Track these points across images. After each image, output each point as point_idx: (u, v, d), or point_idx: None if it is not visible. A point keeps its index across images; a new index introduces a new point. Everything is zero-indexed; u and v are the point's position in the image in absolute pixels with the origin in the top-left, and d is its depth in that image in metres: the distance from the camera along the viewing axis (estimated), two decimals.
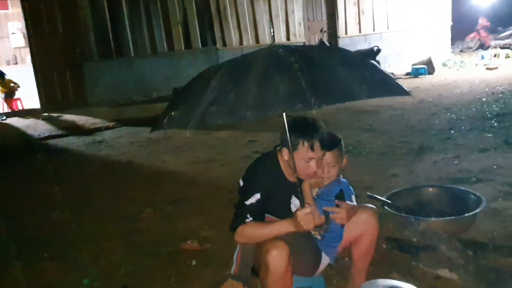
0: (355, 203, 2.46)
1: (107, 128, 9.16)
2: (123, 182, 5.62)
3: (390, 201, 3.45)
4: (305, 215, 2.10)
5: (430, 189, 3.76)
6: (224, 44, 12.16)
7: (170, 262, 3.39)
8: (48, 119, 10.26)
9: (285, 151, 2.28)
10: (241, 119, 1.98)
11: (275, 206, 2.35)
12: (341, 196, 2.39)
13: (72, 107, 11.04)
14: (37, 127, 9.58)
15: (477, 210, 3.22)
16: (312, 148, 2.19)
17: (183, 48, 12.10)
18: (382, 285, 1.93)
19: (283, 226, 2.20)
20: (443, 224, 3.21)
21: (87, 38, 11.28)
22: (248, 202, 2.27)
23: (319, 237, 2.41)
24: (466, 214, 3.22)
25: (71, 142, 8.40)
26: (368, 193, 3.46)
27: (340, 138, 2.43)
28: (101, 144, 7.92)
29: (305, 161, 2.22)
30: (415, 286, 2.05)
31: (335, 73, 2.06)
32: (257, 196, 2.28)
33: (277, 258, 2.12)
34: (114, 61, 11.61)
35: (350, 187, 2.53)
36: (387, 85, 2.16)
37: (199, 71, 2.45)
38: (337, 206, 2.31)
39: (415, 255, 2.98)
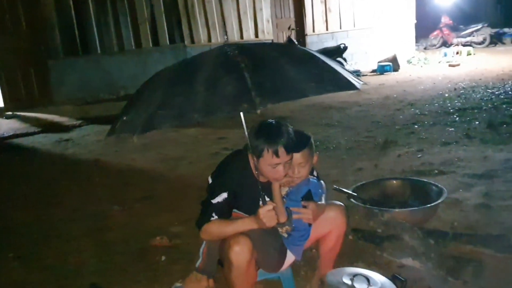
0: (323, 202, 2.49)
1: (74, 126, 9.01)
2: (90, 181, 5.56)
3: (355, 194, 3.55)
4: (267, 212, 2.15)
5: (394, 181, 3.87)
6: (193, 41, 12.11)
7: (140, 258, 3.40)
8: (12, 118, 10.02)
9: (250, 156, 2.31)
10: (188, 122, 1.99)
11: (245, 204, 2.38)
12: (308, 196, 2.42)
13: (37, 106, 10.81)
14: (0, 126, 9.36)
15: (439, 201, 3.35)
16: (276, 154, 2.17)
17: (151, 46, 11.99)
18: (347, 273, 2.00)
19: (246, 224, 2.25)
20: (406, 215, 3.32)
21: (52, 35, 11.06)
22: (214, 201, 2.30)
23: (285, 235, 2.47)
24: (428, 205, 3.35)
25: (37, 141, 8.23)
26: (335, 186, 3.55)
27: (309, 136, 2.42)
28: (68, 142, 7.80)
29: (272, 167, 2.21)
30: (380, 274, 2.12)
31: (282, 71, 2.07)
32: (224, 195, 2.30)
33: (239, 254, 2.17)
34: (81, 58, 11.42)
35: (322, 183, 2.55)
36: (336, 80, 2.16)
37: None
38: (304, 206, 2.35)
39: (380, 245, 3.07)
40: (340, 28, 13.43)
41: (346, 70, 2.43)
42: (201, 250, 2.56)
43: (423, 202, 3.46)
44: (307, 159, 2.33)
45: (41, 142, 8.11)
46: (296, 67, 2.11)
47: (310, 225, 2.42)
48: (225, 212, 2.33)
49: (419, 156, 5.09)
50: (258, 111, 1.94)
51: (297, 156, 2.29)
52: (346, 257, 3.00)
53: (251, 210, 2.32)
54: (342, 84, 2.16)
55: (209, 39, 12.25)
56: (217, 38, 12.29)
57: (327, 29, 13.39)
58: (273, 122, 2.27)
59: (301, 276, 2.88)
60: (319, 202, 2.42)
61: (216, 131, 7.39)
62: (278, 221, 2.20)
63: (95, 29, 11.49)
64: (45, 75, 11.03)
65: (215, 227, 2.30)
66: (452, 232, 3.10)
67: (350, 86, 2.15)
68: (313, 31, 13.25)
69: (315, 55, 2.28)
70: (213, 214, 2.29)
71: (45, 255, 3.63)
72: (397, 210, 3.39)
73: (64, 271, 3.33)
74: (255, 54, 2.15)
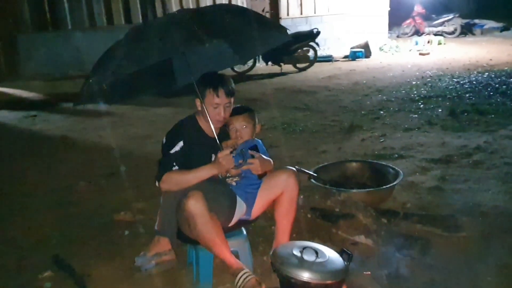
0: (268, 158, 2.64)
1: (42, 102, 8.87)
2: (56, 157, 5.53)
3: (316, 174, 3.66)
4: (226, 156, 2.37)
5: (354, 163, 4.01)
6: None
7: (103, 232, 3.45)
8: None
9: (197, 102, 2.55)
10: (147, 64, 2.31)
11: (197, 162, 2.49)
12: (255, 150, 2.60)
13: (4, 80, 10.57)
14: None
15: (394, 183, 3.50)
16: (217, 94, 2.46)
17: (123, 23, 11.82)
18: (297, 246, 2.11)
19: (206, 170, 2.42)
20: (363, 196, 3.46)
21: (20, 8, 10.78)
22: (173, 151, 2.46)
23: (234, 183, 2.63)
24: (384, 186, 3.49)
25: (2, 116, 8.08)
26: (296, 167, 3.64)
27: (252, 109, 2.70)
28: (35, 118, 7.69)
29: (213, 107, 2.48)
30: (328, 248, 2.24)
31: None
32: (181, 144, 2.47)
33: (195, 204, 2.30)
34: (50, 33, 11.19)
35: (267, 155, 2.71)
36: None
37: None
38: (252, 156, 2.52)
39: (335, 223, 3.20)
40: (315, 12, 13.48)
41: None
42: (158, 214, 2.65)
43: (380, 184, 3.60)
44: (248, 122, 2.60)
45: (7, 117, 7.97)
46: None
47: (260, 179, 2.57)
48: (184, 162, 2.46)
49: (381, 140, 5.25)
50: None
51: (239, 119, 2.59)
52: (303, 234, 3.12)
53: (204, 164, 2.47)
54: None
55: None
56: None
57: (301, 13, 13.43)
58: (217, 73, 2.62)
59: (259, 251, 2.99)
60: (265, 157, 2.58)
61: (184, 110, 7.31)
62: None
63: (66, 3, 11.24)
64: (13, 49, 10.78)
65: (176, 175, 2.42)
66: (404, 212, 3.26)
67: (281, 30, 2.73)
68: (288, 14, 13.26)
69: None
70: (174, 164, 2.43)
71: (7, 228, 3.64)
72: (354, 190, 3.53)
73: (26, 243, 3.35)
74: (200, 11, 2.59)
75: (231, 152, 2.44)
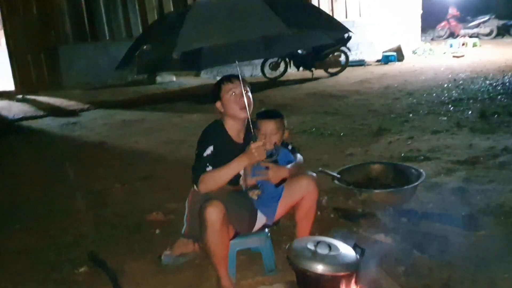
0: (288, 166, 2.68)
1: (82, 110, 9.27)
2: (95, 161, 5.82)
3: (339, 176, 3.77)
4: (258, 147, 2.44)
5: (377, 165, 4.09)
6: None
7: (136, 231, 3.65)
8: (23, 101, 10.31)
9: (217, 104, 2.69)
10: (220, 41, 2.32)
11: (224, 162, 2.58)
12: (271, 156, 2.62)
13: (46, 90, 11.10)
14: (11, 109, 9.64)
15: (415, 184, 3.56)
16: (230, 80, 2.61)
17: None
18: (312, 240, 2.22)
19: (238, 161, 2.50)
20: (384, 196, 3.55)
21: (62, 21, 11.29)
22: (205, 154, 2.58)
23: (255, 197, 2.70)
24: (405, 187, 3.56)
25: (46, 123, 8.51)
26: (320, 168, 3.77)
27: (282, 115, 2.73)
28: (75, 125, 8.07)
29: (231, 94, 2.59)
30: (341, 242, 2.34)
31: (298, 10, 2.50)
32: (211, 148, 2.59)
33: (212, 213, 2.39)
34: (89, 44, 11.67)
35: (298, 155, 2.81)
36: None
37: None
38: (266, 168, 2.58)
39: (356, 222, 3.30)
40: (346, 17, 13.52)
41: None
42: (184, 218, 2.80)
43: (403, 185, 3.67)
44: (278, 128, 2.64)
45: (49, 125, 8.38)
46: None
47: (277, 186, 2.61)
48: (216, 163, 2.56)
49: (408, 143, 5.29)
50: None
51: (270, 123, 2.63)
52: (325, 233, 3.22)
53: None
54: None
55: None
56: None
57: None
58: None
59: (282, 248, 3.11)
60: (281, 166, 2.62)
61: (216, 116, 7.59)
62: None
63: (104, 15, 11.72)
64: (55, 60, 11.29)
65: (211, 174, 2.53)
66: (423, 211, 3.31)
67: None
68: None
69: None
70: (207, 165, 2.55)
71: (48, 227, 3.88)
72: (376, 191, 3.61)
73: (64, 241, 3.59)
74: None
75: (255, 137, 2.53)
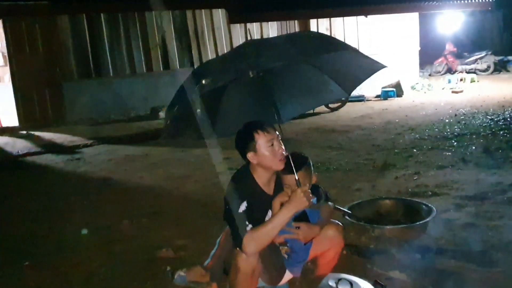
0: (317, 225, 2.59)
1: (86, 146, 9.29)
2: (101, 197, 5.81)
3: (350, 212, 3.78)
4: (306, 192, 2.32)
5: (388, 201, 4.12)
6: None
7: (147, 268, 3.62)
8: (27, 137, 10.33)
9: (249, 155, 2.48)
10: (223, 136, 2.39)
11: (257, 215, 2.50)
12: (303, 217, 2.53)
13: (50, 125, 11.14)
14: (15, 145, 9.66)
15: (427, 219, 3.58)
16: (266, 131, 2.42)
17: (162, 69, 12.39)
18: (333, 278, 2.23)
19: (285, 212, 2.33)
20: (397, 232, 3.55)
21: (67, 58, 11.45)
22: (240, 211, 2.38)
23: (285, 256, 2.69)
24: (417, 223, 3.57)
25: (50, 159, 8.52)
26: (330, 203, 3.77)
27: (307, 157, 2.60)
28: (80, 161, 8.08)
29: (269, 145, 2.41)
30: (362, 279, 2.34)
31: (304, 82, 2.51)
32: (245, 204, 2.40)
33: (247, 260, 2.35)
34: (93, 81, 11.80)
35: (330, 204, 2.75)
36: (351, 79, 2.61)
37: None
38: (297, 227, 2.50)
39: (370, 259, 3.29)
40: None
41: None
42: (212, 252, 2.78)
43: (414, 221, 3.68)
44: (305, 178, 2.48)
45: (54, 160, 8.39)
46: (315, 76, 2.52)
47: (305, 244, 2.55)
48: (253, 219, 2.39)
49: (415, 178, 5.32)
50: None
51: (300, 176, 2.43)
52: (339, 270, 3.20)
53: (261, 221, 2.45)
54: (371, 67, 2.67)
55: None
56: None
57: None
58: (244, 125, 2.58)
59: (296, 286, 3.09)
60: (313, 224, 2.54)
61: (221, 151, 7.64)
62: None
63: (108, 52, 11.89)
64: (59, 96, 11.38)
65: (257, 234, 2.33)
66: (437, 248, 3.31)
67: (377, 65, 2.64)
68: None
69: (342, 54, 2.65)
70: (247, 223, 2.35)
71: (58, 264, 3.86)
72: (388, 227, 3.62)
73: (76, 278, 3.56)
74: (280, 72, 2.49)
75: (299, 182, 2.41)
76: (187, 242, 4.02)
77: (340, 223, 2.80)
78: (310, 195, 2.33)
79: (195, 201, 5.19)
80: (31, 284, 3.53)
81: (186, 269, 3.05)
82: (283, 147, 2.49)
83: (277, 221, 2.34)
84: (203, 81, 2.48)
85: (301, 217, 2.52)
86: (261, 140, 2.43)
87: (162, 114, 11.39)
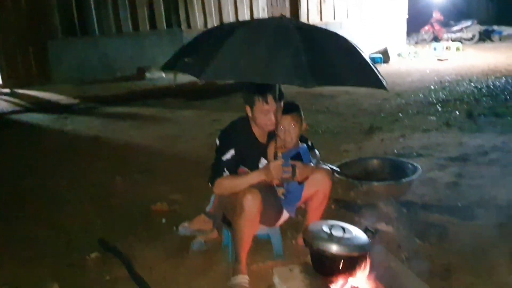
0: (311, 164, 2.79)
1: (72, 105, 9.26)
2: (91, 155, 5.86)
3: (339, 169, 3.90)
4: (277, 166, 2.51)
5: (374, 160, 4.24)
6: (189, 26, 12.36)
7: (142, 220, 3.73)
8: (11, 95, 10.24)
9: (247, 108, 2.66)
10: (247, 80, 2.30)
11: (248, 162, 2.71)
12: (297, 158, 2.73)
13: (35, 84, 11.03)
14: None
15: (413, 177, 3.72)
16: (266, 101, 2.54)
17: (148, 29, 12.23)
18: (326, 224, 2.36)
19: (256, 176, 2.58)
20: (384, 188, 3.69)
21: (51, 15, 11.23)
22: (224, 158, 2.62)
23: (282, 197, 2.83)
24: (403, 180, 3.72)
25: (36, 117, 8.48)
26: (321, 162, 3.90)
27: (298, 105, 2.78)
28: (67, 120, 8.06)
29: (264, 114, 2.58)
30: (353, 226, 2.48)
31: (331, 58, 2.31)
32: (232, 152, 2.63)
33: (251, 201, 2.50)
34: (79, 39, 11.63)
35: (316, 152, 2.92)
36: (371, 77, 2.38)
37: (163, 51, 2.76)
38: (293, 165, 2.63)
39: (358, 213, 3.45)
40: (334, 19, 13.76)
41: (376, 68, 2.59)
42: (212, 198, 2.90)
43: (400, 179, 3.83)
44: (296, 122, 2.68)
45: (40, 119, 8.36)
46: (342, 57, 2.36)
47: (300, 183, 2.72)
48: (233, 168, 2.65)
49: (400, 141, 5.48)
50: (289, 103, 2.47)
51: (287, 118, 2.65)
52: None
53: (253, 168, 2.68)
54: (375, 81, 2.38)
55: (205, 25, 12.51)
56: (213, 24, 12.55)
57: (321, 20, 13.70)
58: None
59: (287, 236, 3.24)
60: (306, 163, 2.73)
61: (210, 113, 7.73)
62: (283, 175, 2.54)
63: (93, 10, 11.68)
64: (43, 54, 11.23)
65: (228, 181, 2.61)
66: (422, 203, 3.48)
67: (380, 84, 2.38)
68: (307, 20, 13.53)
69: (358, 51, 2.46)
70: (225, 170, 2.61)
71: (54, 216, 3.94)
72: (376, 183, 3.76)
73: (73, 229, 3.65)
74: (311, 36, 2.35)
75: (276, 154, 2.57)
76: (180, 197, 4.12)
77: (327, 167, 2.91)
78: (281, 169, 2.51)
79: (186, 160, 5.27)
80: (26, 234, 3.61)
81: (188, 221, 3.17)
82: (278, 117, 2.59)
83: (246, 180, 2.57)
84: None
85: (295, 158, 2.70)
86: (258, 106, 2.59)
87: (149, 74, 11.35)
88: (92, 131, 7.12)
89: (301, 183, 2.74)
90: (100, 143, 6.46)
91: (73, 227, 3.69)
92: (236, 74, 2.23)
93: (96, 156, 5.78)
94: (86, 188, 4.60)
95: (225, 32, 2.34)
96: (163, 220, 3.68)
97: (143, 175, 4.85)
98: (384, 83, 2.40)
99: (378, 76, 2.38)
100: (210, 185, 2.67)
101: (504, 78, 9.12)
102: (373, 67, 2.43)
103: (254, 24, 2.49)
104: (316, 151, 2.95)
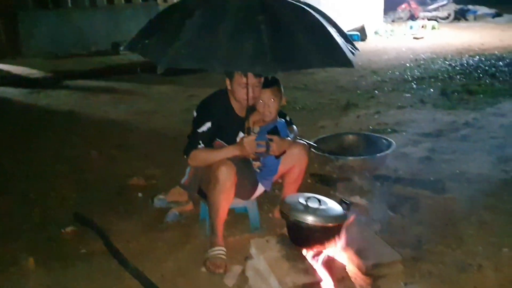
0: (289, 138, 2.78)
1: (45, 79, 9.05)
2: (66, 129, 5.78)
3: (315, 145, 3.95)
4: (250, 141, 2.52)
5: (350, 135, 4.32)
6: (165, 0, 12.13)
7: (118, 194, 3.72)
8: None
9: (227, 81, 2.65)
10: (207, 68, 2.22)
11: (225, 135, 2.71)
12: (275, 132, 2.72)
13: (5, 57, 10.72)
14: None
15: (387, 151, 3.80)
16: (245, 75, 2.49)
17: (123, 2, 11.96)
18: (303, 196, 2.39)
19: (230, 150, 2.60)
20: (359, 163, 3.77)
21: None
22: (200, 130, 2.62)
23: (257, 170, 2.84)
24: (378, 154, 3.79)
25: (8, 91, 8.28)
26: (298, 137, 3.93)
27: (277, 79, 2.75)
28: (40, 94, 7.90)
29: (242, 87, 2.55)
30: (329, 198, 2.52)
31: (296, 40, 2.24)
32: (208, 124, 2.63)
33: (226, 174, 2.51)
34: (51, 12, 11.31)
35: (294, 127, 2.92)
36: (338, 56, 2.32)
37: (139, 26, 2.57)
38: (270, 139, 2.65)
39: (333, 186, 3.50)
40: None
41: (346, 42, 2.51)
42: (187, 170, 2.89)
43: (374, 154, 3.90)
44: (275, 96, 2.66)
45: (12, 93, 8.18)
46: (308, 37, 2.28)
47: (277, 158, 2.73)
48: (209, 141, 2.66)
49: (376, 117, 5.55)
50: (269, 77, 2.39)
51: (267, 92, 2.63)
52: None
53: (230, 141, 2.69)
54: (342, 60, 2.34)
55: None
56: None
57: None
58: None
59: (264, 210, 3.29)
60: (283, 137, 2.72)
61: (186, 89, 7.67)
62: (257, 150, 2.55)
63: None
64: (14, 27, 10.90)
65: (202, 154, 2.62)
66: (396, 176, 3.56)
67: (348, 63, 2.33)
68: None
69: (325, 26, 2.40)
70: (200, 142, 2.61)
71: (27, 191, 3.88)
72: (351, 158, 3.83)
73: (48, 203, 3.61)
74: (275, 14, 2.28)
75: (250, 131, 2.58)
76: (157, 172, 4.11)
77: (304, 142, 2.94)
78: (255, 144, 2.52)
79: (163, 135, 5.25)
80: (2, 210, 3.56)
81: (164, 193, 3.17)
82: (258, 91, 2.58)
83: (220, 154, 2.59)
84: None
85: (272, 132, 2.70)
86: (237, 79, 2.56)
87: (124, 49, 11.14)
88: (67, 106, 7.00)
89: (278, 157, 2.75)
90: (75, 118, 6.37)
91: (48, 202, 3.66)
92: (195, 61, 2.19)
93: (71, 131, 5.69)
94: (61, 163, 4.54)
95: (186, 12, 2.28)
96: (140, 195, 3.67)
97: (119, 150, 4.82)
98: (351, 56, 2.36)
99: (344, 53, 2.33)
100: (185, 156, 2.68)
101: (477, 57, 9.28)
102: (339, 42, 2.37)
103: (216, 3, 2.38)
104: (294, 127, 2.96)
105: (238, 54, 2.14)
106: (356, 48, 2.56)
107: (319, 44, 2.32)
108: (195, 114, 2.71)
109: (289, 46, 2.20)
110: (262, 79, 2.59)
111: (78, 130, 5.73)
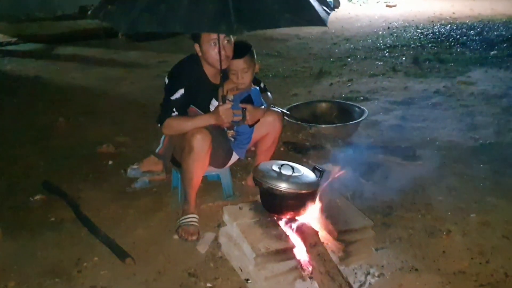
0: (263, 107, 2.73)
1: (9, 43, 8.69)
2: (32, 95, 5.58)
3: (289, 112, 3.93)
4: (226, 110, 2.45)
5: (323, 103, 4.32)
6: None
7: (87, 162, 3.63)
8: None
9: (196, 47, 2.54)
10: (169, 30, 2.14)
11: (198, 102, 2.64)
12: (248, 101, 2.66)
13: None
14: None
15: (359, 119, 3.81)
16: None
17: None
18: (276, 164, 2.38)
19: (205, 119, 2.53)
20: (331, 130, 3.78)
21: None
22: (173, 98, 2.53)
23: (232, 139, 2.81)
24: (350, 122, 3.81)
25: None
26: (272, 105, 3.90)
27: (250, 45, 2.66)
28: (4, 59, 7.59)
29: (210, 44, 2.45)
30: (302, 166, 2.51)
31: None
32: (181, 91, 2.54)
33: (201, 141, 2.47)
34: None
35: (268, 94, 2.88)
36: (309, 15, 2.24)
37: None
38: (243, 108, 2.58)
39: (306, 154, 3.51)
40: None
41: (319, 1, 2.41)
42: (162, 139, 2.83)
43: (347, 121, 3.91)
44: (249, 65, 2.57)
45: None
46: None
47: (250, 126, 2.69)
48: (183, 108, 2.59)
49: (348, 85, 5.55)
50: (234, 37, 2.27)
51: (240, 62, 2.54)
52: None
53: (203, 108, 2.63)
54: (313, 19, 2.26)
55: None
56: None
57: None
58: None
59: (237, 177, 3.27)
60: (257, 106, 2.67)
61: (157, 54, 7.50)
62: (233, 119, 2.49)
63: None
64: None
65: (176, 122, 2.54)
66: (367, 144, 3.59)
67: (320, 22, 2.25)
68: None
69: None
70: (174, 110, 2.53)
71: None
72: (323, 125, 3.83)
73: (14, 171, 3.51)
74: None
75: (225, 99, 2.50)
76: (127, 140, 4.03)
77: (278, 110, 2.90)
78: (231, 113, 2.46)
79: (132, 102, 5.13)
80: None
81: (137, 163, 3.10)
82: (230, 49, 2.49)
83: (195, 123, 2.52)
84: None
85: (246, 101, 2.64)
86: (205, 37, 2.45)
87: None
88: (32, 72, 6.74)
89: (251, 126, 2.70)
90: (42, 84, 6.15)
91: (15, 170, 3.55)
92: (157, 24, 2.11)
93: (37, 97, 5.50)
94: (27, 130, 4.40)
95: None
96: (110, 162, 3.60)
97: (87, 117, 4.70)
98: (324, 15, 2.28)
99: (316, 12, 2.25)
100: (158, 125, 2.61)
101: (449, 25, 9.34)
102: (311, 0, 2.29)
103: None
104: (269, 94, 2.92)
105: (201, 15, 2.06)
106: (332, 8, 2.48)
107: (289, 2, 2.24)
108: (166, 80, 2.63)
109: (254, 5, 2.14)
110: (231, 37, 2.50)
111: (44, 96, 5.53)
